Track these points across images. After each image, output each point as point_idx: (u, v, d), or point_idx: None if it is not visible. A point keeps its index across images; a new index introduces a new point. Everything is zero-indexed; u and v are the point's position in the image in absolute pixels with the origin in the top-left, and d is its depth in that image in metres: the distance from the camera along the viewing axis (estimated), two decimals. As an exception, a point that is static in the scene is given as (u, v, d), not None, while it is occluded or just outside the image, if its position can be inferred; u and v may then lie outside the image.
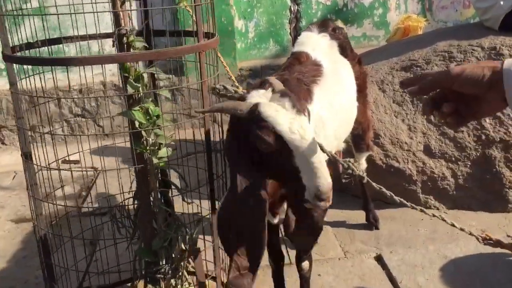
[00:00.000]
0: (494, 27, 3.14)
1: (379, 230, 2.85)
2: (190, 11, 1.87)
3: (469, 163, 2.92)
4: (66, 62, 1.43)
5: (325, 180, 1.30)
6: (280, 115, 1.31)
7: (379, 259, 2.59)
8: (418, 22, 4.16)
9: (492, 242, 1.76)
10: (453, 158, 2.94)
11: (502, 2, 3.05)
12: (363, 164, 2.78)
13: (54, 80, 1.70)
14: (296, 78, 1.94)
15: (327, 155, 1.75)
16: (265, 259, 2.53)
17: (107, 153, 2.60)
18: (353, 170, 1.83)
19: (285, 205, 1.92)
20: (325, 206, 1.35)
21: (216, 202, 1.92)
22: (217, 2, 4.55)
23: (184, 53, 1.56)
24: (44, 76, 1.85)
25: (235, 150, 1.40)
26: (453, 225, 1.78)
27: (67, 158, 2.17)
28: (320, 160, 1.32)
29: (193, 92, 4.03)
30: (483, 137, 2.90)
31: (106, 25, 1.82)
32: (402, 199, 1.73)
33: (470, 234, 1.82)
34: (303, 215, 1.79)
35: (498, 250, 2.54)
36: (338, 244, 2.75)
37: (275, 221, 2.00)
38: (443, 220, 1.75)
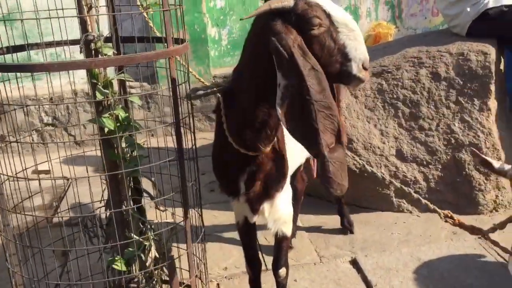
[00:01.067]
0: (461, 34, 3.21)
1: (354, 234, 2.87)
2: (147, 17, 1.85)
3: (440, 167, 2.97)
4: (31, 68, 1.40)
5: (365, 48, 1.49)
6: (322, 1, 1.50)
7: (354, 263, 2.61)
8: (388, 29, 4.24)
9: (453, 220, 1.82)
10: (425, 162, 2.99)
11: (468, 9, 3.12)
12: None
13: (19, 88, 1.66)
14: None
15: None
16: (242, 267, 2.53)
17: (79, 162, 2.56)
18: None
19: (264, 204, 1.91)
20: (367, 77, 1.51)
21: (190, 209, 1.90)
22: (190, 10, 4.56)
23: (153, 58, 1.54)
24: (10, 84, 1.81)
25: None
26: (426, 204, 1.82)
27: (37, 168, 2.12)
28: (359, 32, 1.50)
29: (166, 99, 4.00)
30: (453, 141, 2.95)
31: (75, 32, 1.79)
32: (427, 202, 1.75)
33: (434, 210, 1.88)
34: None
35: (469, 251, 2.60)
36: (313, 249, 2.76)
37: (254, 219, 1.99)
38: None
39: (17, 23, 1.82)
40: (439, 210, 1.80)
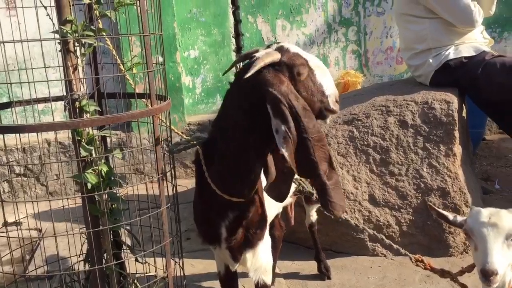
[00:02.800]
0: (425, 83, 3.40)
1: (331, 279, 2.90)
2: (131, 81, 1.92)
3: (411, 211, 3.07)
4: (20, 130, 1.43)
5: (333, 83, 1.72)
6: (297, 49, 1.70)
7: (332, 309, 2.63)
8: (356, 78, 4.43)
9: (424, 264, 1.89)
10: (396, 206, 3.09)
11: (431, 60, 3.32)
12: (313, 215, 2.86)
13: None
14: None
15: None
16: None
17: (49, 215, 2.53)
18: (304, 187, 2.06)
19: (246, 253, 1.94)
20: (338, 109, 1.73)
21: (172, 261, 1.91)
22: (165, 60, 4.67)
23: (138, 117, 1.60)
24: None
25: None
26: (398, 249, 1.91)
27: (8, 221, 2.10)
28: (327, 70, 1.72)
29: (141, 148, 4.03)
30: (422, 185, 3.07)
31: (52, 84, 1.83)
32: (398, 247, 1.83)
33: (405, 254, 1.95)
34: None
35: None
36: (292, 296, 2.77)
37: (236, 267, 2.01)
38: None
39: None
40: (410, 255, 1.88)
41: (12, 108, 1.88)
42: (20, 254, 3.41)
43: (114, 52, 1.76)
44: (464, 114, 3.42)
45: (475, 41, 3.34)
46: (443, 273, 1.91)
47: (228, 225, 1.86)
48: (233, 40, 4.99)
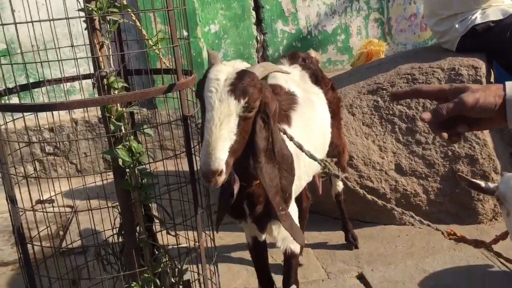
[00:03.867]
0: (451, 49, 3.33)
1: (359, 249, 2.93)
2: (160, 54, 1.93)
3: (439, 179, 3.05)
4: (52, 107, 1.47)
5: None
6: None
7: (361, 277, 2.66)
8: (379, 46, 4.35)
9: (456, 237, 1.87)
10: (423, 175, 3.07)
11: (457, 26, 3.24)
12: (340, 185, 2.87)
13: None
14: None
15: (318, 162, 1.97)
16: (251, 287, 2.57)
17: (82, 191, 2.60)
18: (329, 169, 1.99)
19: (271, 224, 1.97)
20: None
21: (203, 233, 1.96)
22: (185, 35, 4.68)
23: (165, 92, 1.62)
24: (13, 117, 1.88)
25: None
26: (429, 225, 1.89)
27: (42, 199, 2.17)
28: None
29: (166, 125, 4.07)
30: (450, 153, 3.04)
31: (78, 63, 1.86)
32: (429, 223, 1.82)
33: (436, 229, 1.93)
34: None
35: (472, 261, 2.67)
36: (320, 265, 2.81)
37: (263, 237, 2.05)
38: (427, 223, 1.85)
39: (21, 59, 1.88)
40: (441, 229, 1.85)
41: (42, 87, 1.92)
42: (56, 229, 3.53)
43: (140, 28, 1.77)
44: (492, 80, 3.34)
45: (502, 4, 3.23)
46: (476, 244, 1.90)
47: (248, 203, 1.89)
48: (253, 12, 4.95)
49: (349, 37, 5.16)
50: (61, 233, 3.50)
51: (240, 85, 1.48)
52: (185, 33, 1.77)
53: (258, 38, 5.01)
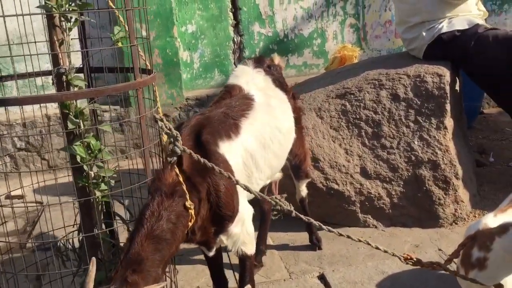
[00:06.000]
0: (419, 56, 3.40)
1: (322, 250, 2.97)
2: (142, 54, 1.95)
3: (402, 183, 3.12)
4: (6, 102, 1.48)
5: None
6: None
7: (322, 278, 2.71)
8: (353, 52, 4.41)
9: (413, 261, 1.92)
10: (387, 179, 3.13)
11: (424, 34, 3.32)
12: (303, 190, 2.92)
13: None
14: (222, 113, 2.04)
15: (255, 195, 1.87)
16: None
17: (52, 187, 2.61)
18: (281, 206, 1.96)
19: (217, 238, 1.99)
20: None
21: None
22: (162, 35, 4.68)
23: (122, 90, 1.64)
24: None
25: None
26: (377, 247, 1.93)
27: (11, 194, 2.17)
28: None
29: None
30: (413, 158, 3.11)
31: (47, 59, 1.88)
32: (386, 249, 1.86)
33: (393, 255, 1.97)
34: None
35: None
36: (283, 265, 2.85)
37: (211, 253, 2.07)
38: (368, 244, 1.90)
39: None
40: (397, 255, 1.89)
41: (4, 81, 1.92)
42: (23, 226, 3.52)
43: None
44: (457, 87, 3.43)
45: (469, 14, 3.32)
46: (433, 265, 1.94)
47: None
48: (231, 14, 4.98)
49: (325, 41, 5.23)
50: (28, 229, 3.49)
51: None
52: (144, 33, 1.79)
53: (235, 39, 5.04)
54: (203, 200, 1.78)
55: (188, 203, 1.68)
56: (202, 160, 1.67)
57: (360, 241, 1.82)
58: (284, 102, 2.48)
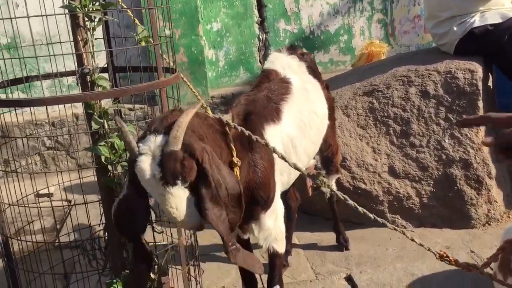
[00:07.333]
0: (449, 52, 3.30)
1: (349, 250, 2.91)
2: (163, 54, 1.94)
3: (432, 182, 3.03)
4: (30, 103, 1.48)
5: None
6: None
7: (349, 279, 2.66)
8: (380, 48, 4.33)
9: (448, 259, 1.84)
10: (417, 178, 3.05)
11: (455, 28, 3.21)
12: (332, 186, 2.86)
13: (8, 116, 1.74)
14: (265, 97, 2.02)
15: (301, 171, 1.81)
16: (239, 285, 2.58)
17: (81, 186, 2.63)
18: (322, 181, 1.89)
19: (252, 224, 1.97)
20: None
21: (183, 230, 1.97)
22: (187, 33, 4.68)
23: (144, 89, 1.63)
24: (15, 111, 1.90)
25: None
26: (412, 239, 1.85)
27: (39, 192, 2.20)
28: None
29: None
30: (444, 156, 3.02)
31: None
32: (422, 243, 1.77)
33: (429, 249, 1.89)
34: None
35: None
36: (309, 266, 2.81)
37: (245, 236, 2.05)
38: (403, 234, 1.81)
39: (17, 55, 1.91)
40: (433, 251, 1.80)
41: (31, 82, 1.94)
42: (51, 224, 3.57)
43: (137, 24, 1.76)
44: (490, 83, 3.31)
45: (502, 7, 3.20)
46: (469, 267, 1.86)
47: None
48: (256, 11, 4.95)
49: (351, 37, 5.14)
50: (57, 227, 3.54)
51: (169, 174, 1.43)
52: (168, 32, 1.77)
53: (260, 37, 5.01)
54: (243, 169, 1.78)
55: (235, 159, 1.68)
56: (247, 132, 1.68)
57: (396, 230, 1.68)
58: (318, 88, 2.44)
